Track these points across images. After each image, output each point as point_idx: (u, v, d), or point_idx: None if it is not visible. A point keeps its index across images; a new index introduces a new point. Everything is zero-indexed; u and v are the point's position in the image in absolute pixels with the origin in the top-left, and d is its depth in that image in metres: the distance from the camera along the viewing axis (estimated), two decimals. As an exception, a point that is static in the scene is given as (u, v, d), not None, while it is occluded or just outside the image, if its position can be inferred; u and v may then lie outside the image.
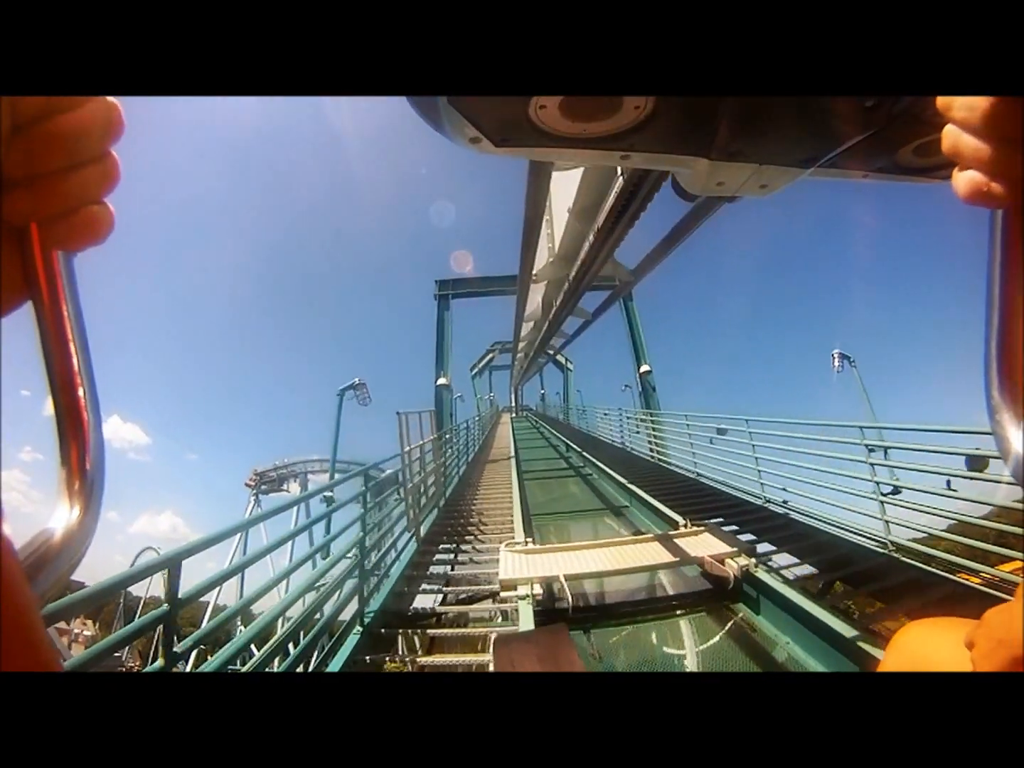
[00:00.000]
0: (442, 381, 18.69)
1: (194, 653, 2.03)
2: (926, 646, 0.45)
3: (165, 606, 1.67)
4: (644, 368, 19.39)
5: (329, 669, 2.77)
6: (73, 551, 0.26)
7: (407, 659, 2.96)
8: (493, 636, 2.12)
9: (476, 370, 33.53)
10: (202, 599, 2.06)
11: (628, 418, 13.93)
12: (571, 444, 12.89)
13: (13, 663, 0.19)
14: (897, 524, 3.97)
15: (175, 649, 1.69)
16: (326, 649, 3.05)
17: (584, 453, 10.76)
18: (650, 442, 11.06)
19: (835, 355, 19.32)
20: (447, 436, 8.77)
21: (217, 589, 2.19)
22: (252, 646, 2.62)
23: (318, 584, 3.10)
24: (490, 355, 33.70)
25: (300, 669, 2.68)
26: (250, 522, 3.00)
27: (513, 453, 11.60)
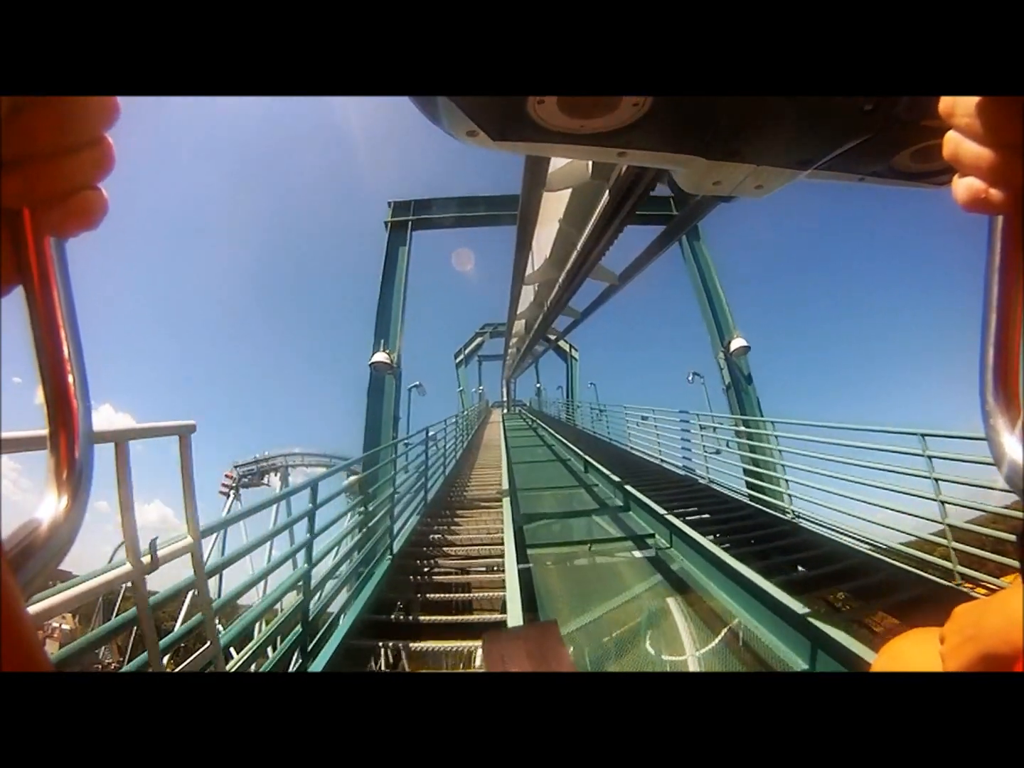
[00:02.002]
0: (380, 358, 10.43)
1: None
2: (918, 656, 0.45)
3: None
4: (736, 343, 11.08)
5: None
6: (60, 541, 0.26)
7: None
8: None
9: (462, 357, 28.05)
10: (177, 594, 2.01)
11: (702, 426, 8.09)
12: (592, 462, 8.22)
13: None
14: None
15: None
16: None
17: (627, 486, 6.10)
18: (759, 477, 6.23)
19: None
20: (362, 479, 4.58)
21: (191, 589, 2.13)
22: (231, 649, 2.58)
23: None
24: (479, 339, 28.93)
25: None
26: (231, 518, 2.92)
27: (506, 483, 7.05)
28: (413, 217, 12.67)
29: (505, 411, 27.49)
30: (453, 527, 5.82)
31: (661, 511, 4.89)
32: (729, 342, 11.34)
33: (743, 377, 10.98)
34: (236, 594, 2.73)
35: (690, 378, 13.66)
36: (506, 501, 5.63)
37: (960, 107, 0.28)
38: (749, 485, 6.57)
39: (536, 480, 8.17)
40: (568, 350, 27.13)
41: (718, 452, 7.64)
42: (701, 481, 7.76)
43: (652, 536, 4.84)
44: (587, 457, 8.66)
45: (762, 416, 9.08)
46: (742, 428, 7.52)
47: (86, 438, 0.28)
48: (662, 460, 9.43)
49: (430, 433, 7.43)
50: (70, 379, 0.28)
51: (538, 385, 32.54)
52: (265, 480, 28.28)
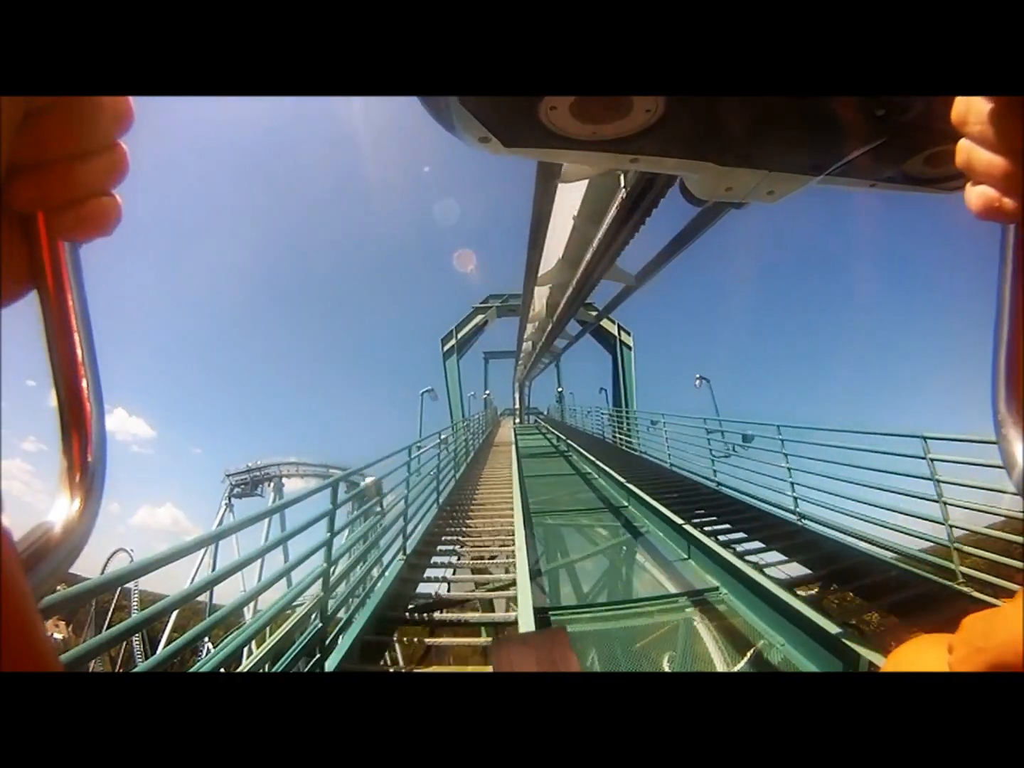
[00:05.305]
0: None
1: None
2: (926, 664, 0.44)
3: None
4: None
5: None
6: (72, 544, 0.26)
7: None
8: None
9: (454, 342, 19.39)
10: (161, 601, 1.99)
11: None
12: None
13: (9, 656, 0.19)
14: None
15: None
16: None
17: None
18: None
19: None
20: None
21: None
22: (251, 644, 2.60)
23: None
24: (479, 317, 19.87)
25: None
26: (223, 531, 2.88)
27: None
28: None
29: (518, 420, 21.34)
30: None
31: None
32: None
33: None
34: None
35: None
36: None
37: (973, 114, 0.27)
38: None
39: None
40: (616, 334, 18.20)
41: None
42: None
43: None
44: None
45: None
46: None
47: (99, 441, 0.28)
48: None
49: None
50: (83, 383, 0.28)
51: (559, 389, 24.98)
52: (259, 490, 27.39)
